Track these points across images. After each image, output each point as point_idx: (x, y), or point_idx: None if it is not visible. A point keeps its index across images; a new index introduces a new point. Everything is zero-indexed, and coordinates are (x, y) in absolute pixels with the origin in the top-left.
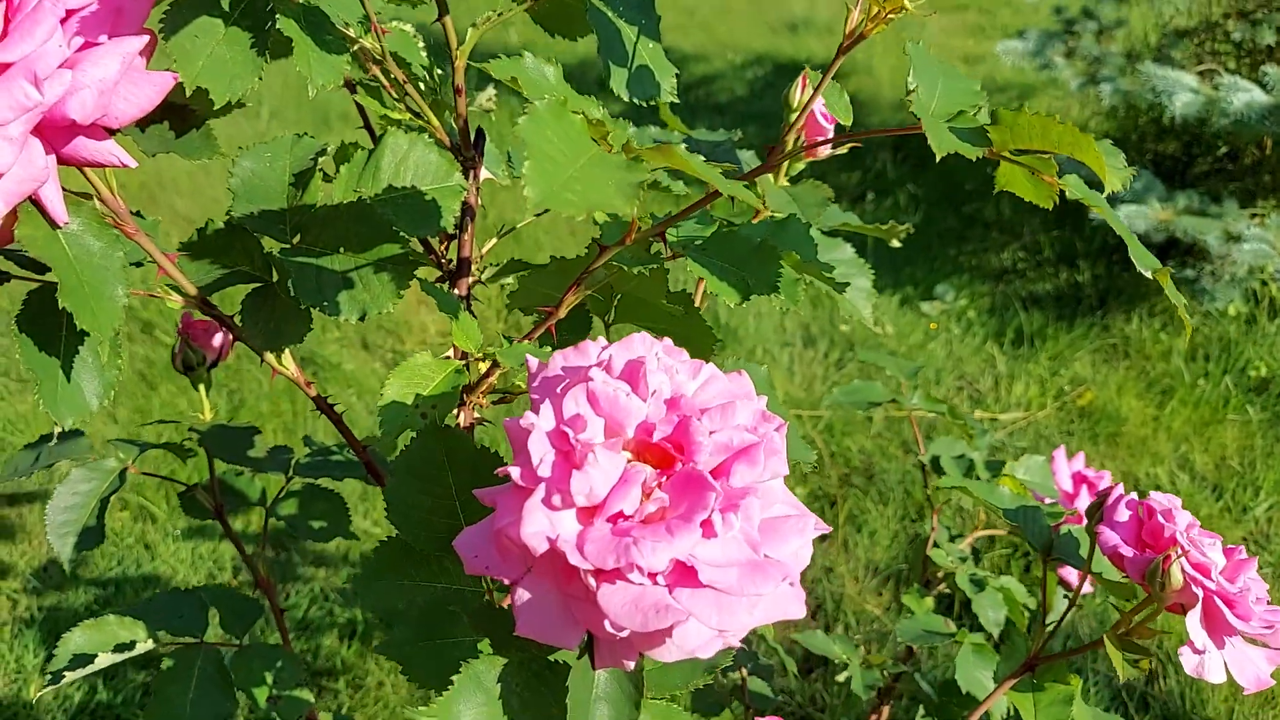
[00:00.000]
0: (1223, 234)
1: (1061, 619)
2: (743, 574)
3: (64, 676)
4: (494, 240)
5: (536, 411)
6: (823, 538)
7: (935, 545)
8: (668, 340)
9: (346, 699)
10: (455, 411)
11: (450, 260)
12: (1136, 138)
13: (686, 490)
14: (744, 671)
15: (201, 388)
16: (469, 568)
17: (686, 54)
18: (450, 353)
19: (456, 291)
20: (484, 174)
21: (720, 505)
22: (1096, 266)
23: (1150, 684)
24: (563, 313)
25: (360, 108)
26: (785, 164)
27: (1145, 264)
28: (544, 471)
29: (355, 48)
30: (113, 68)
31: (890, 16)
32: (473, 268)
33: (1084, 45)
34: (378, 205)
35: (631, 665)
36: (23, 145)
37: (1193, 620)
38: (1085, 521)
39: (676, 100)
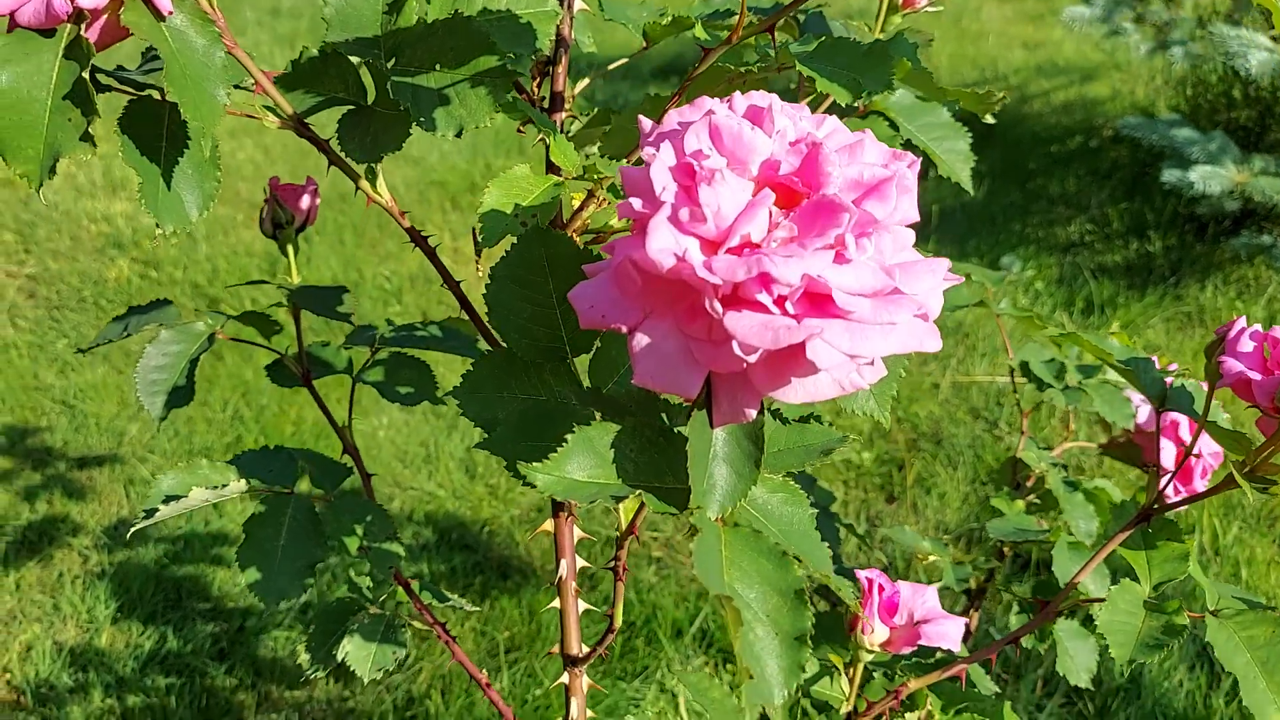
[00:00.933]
0: None
1: (1175, 471)
2: (876, 302)
3: (158, 511)
4: (586, 81)
5: (656, 148)
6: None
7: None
8: None
9: (412, 649)
10: None
11: (543, 99)
12: (1208, 107)
13: (816, 217)
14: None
15: (290, 249)
16: (584, 320)
17: None
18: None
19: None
20: (578, 4)
21: (853, 229)
22: (1168, 237)
23: None
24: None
25: None
26: (885, 7)
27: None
28: (667, 196)
29: None
30: None
31: None
32: (565, 105)
33: (1153, 10)
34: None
35: (753, 414)
36: None
37: None
38: (1206, 360)
39: None
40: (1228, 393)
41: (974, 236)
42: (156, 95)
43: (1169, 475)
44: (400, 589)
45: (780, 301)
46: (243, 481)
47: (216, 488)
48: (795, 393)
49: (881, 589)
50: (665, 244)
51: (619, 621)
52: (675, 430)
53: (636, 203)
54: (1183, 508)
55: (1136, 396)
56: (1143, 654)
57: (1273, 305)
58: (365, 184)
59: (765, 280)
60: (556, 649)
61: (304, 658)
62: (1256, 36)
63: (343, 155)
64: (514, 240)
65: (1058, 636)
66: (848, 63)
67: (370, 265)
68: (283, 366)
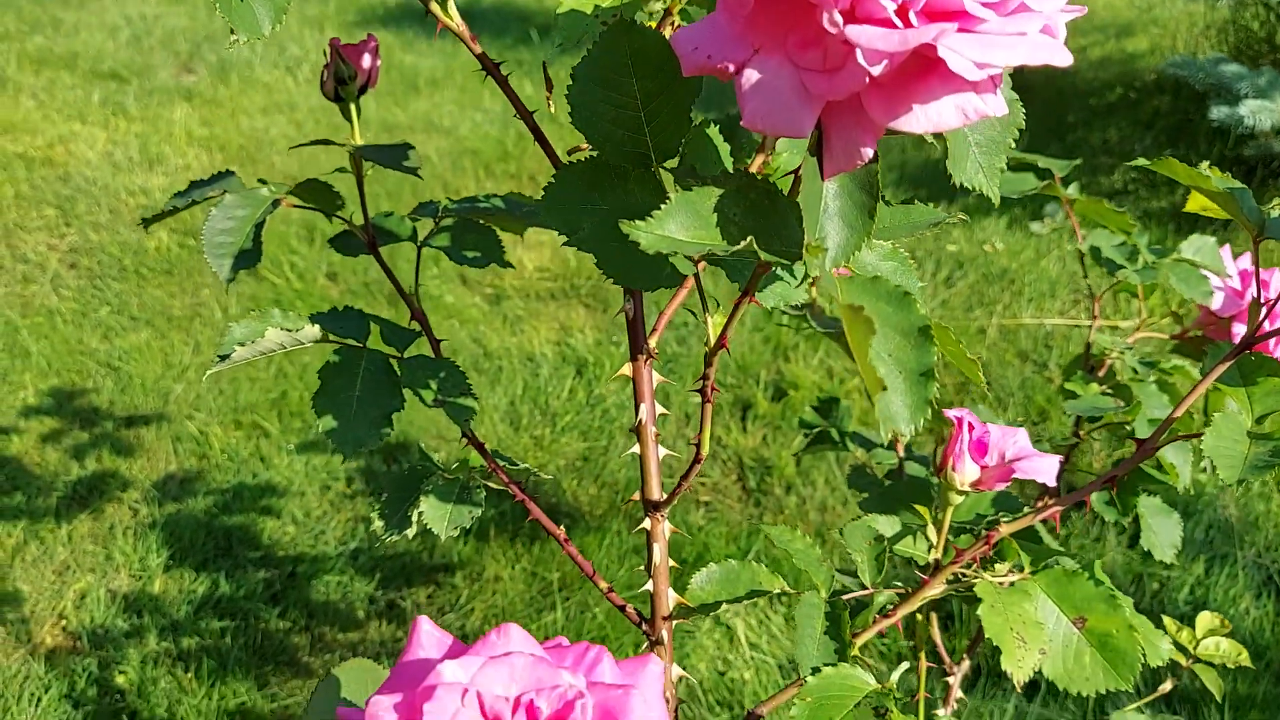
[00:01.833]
0: None
1: (1275, 302)
2: (1002, 12)
3: (234, 353)
4: None
5: None
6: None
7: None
8: None
9: (464, 590)
10: None
11: None
12: (1251, 52)
13: None
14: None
15: (352, 110)
16: (687, 66)
17: None
18: None
19: None
20: None
21: None
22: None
23: None
24: None
25: None
26: None
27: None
28: None
29: None
30: None
31: None
32: None
33: None
34: None
35: (868, 154)
36: None
37: None
38: None
39: None
40: None
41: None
42: None
43: (1269, 306)
44: (473, 453)
45: (903, 11)
46: (316, 328)
47: (292, 331)
48: (917, 120)
49: (971, 427)
50: None
51: (706, 450)
52: (780, 192)
53: None
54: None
55: (1214, 278)
56: (1251, 474)
57: None
58: (435, 7)
59: None
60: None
61: (378, 524)
62: None
63: None
64: (596, 38)
65: (1141, 512)
66: None
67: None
68: (348, 236)
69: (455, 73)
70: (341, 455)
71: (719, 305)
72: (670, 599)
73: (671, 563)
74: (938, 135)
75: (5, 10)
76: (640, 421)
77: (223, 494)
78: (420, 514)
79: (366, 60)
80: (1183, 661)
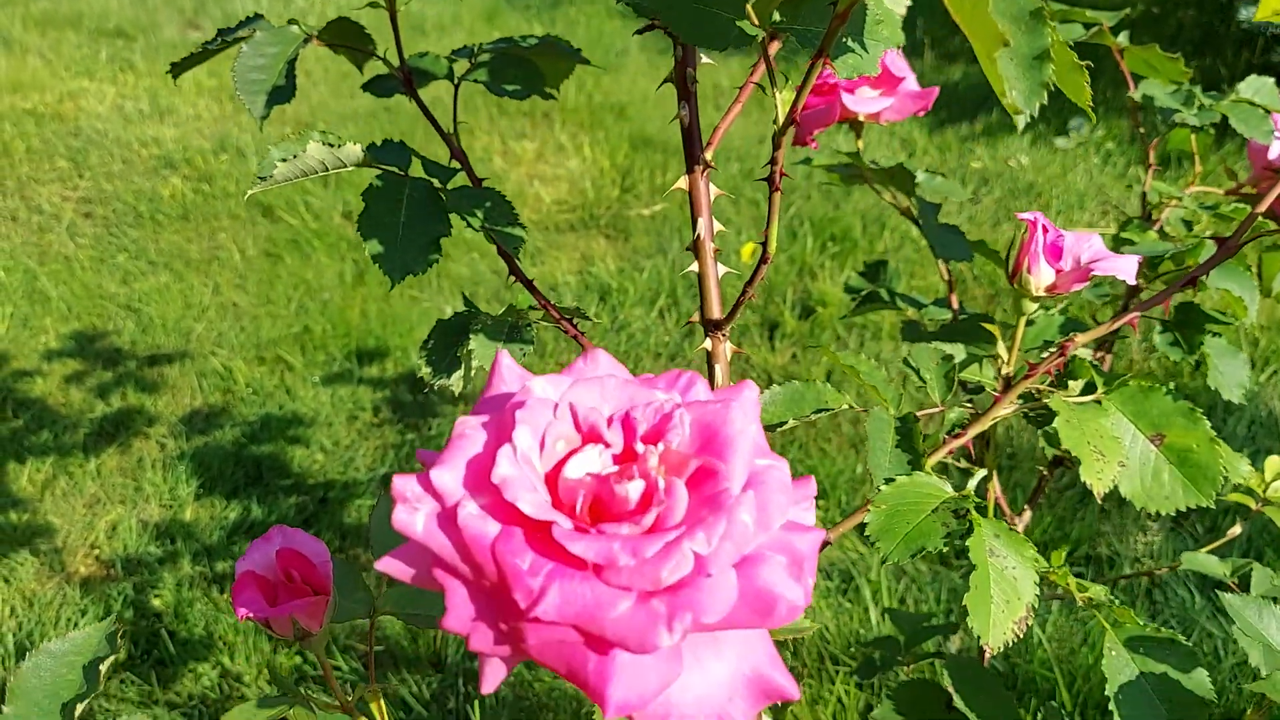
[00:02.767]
0: None
1: None
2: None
3: (275, 170)
4: None
5: None
6: None
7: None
8: None
9: None
10: None
11: None
12: None
13: None
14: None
15: None
16: None
17: None
18: None
19: None
20: None
21: None
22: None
23: None
24: None
25: None
26: None
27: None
28: None
29: None
30: None
31: None
32: None
33: None
34: None
35: None
36: None
37: None
38: None
39: None
40: None
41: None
42: None
43: None
44: (520, 296)
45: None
46: (359, 148)
47: (334, 148)
48: None
49: (1046, 229)
50: None
51: (773, 248)
52: None
53: None
54: None
55: (1276, 123)
56: None
57: None
58: None
59: None
60: None
61: (425, 371)
62: None
63: None
64: None
65: (1207, 352)
66: None
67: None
68: (384, 78)
69: None
70: (390, 282)
71: (787, 80)
72: None
73: None
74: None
75: None
76: (698, 237)
77: (249, 426)
78: (469, 352)
79: None
80: (1252, 505)
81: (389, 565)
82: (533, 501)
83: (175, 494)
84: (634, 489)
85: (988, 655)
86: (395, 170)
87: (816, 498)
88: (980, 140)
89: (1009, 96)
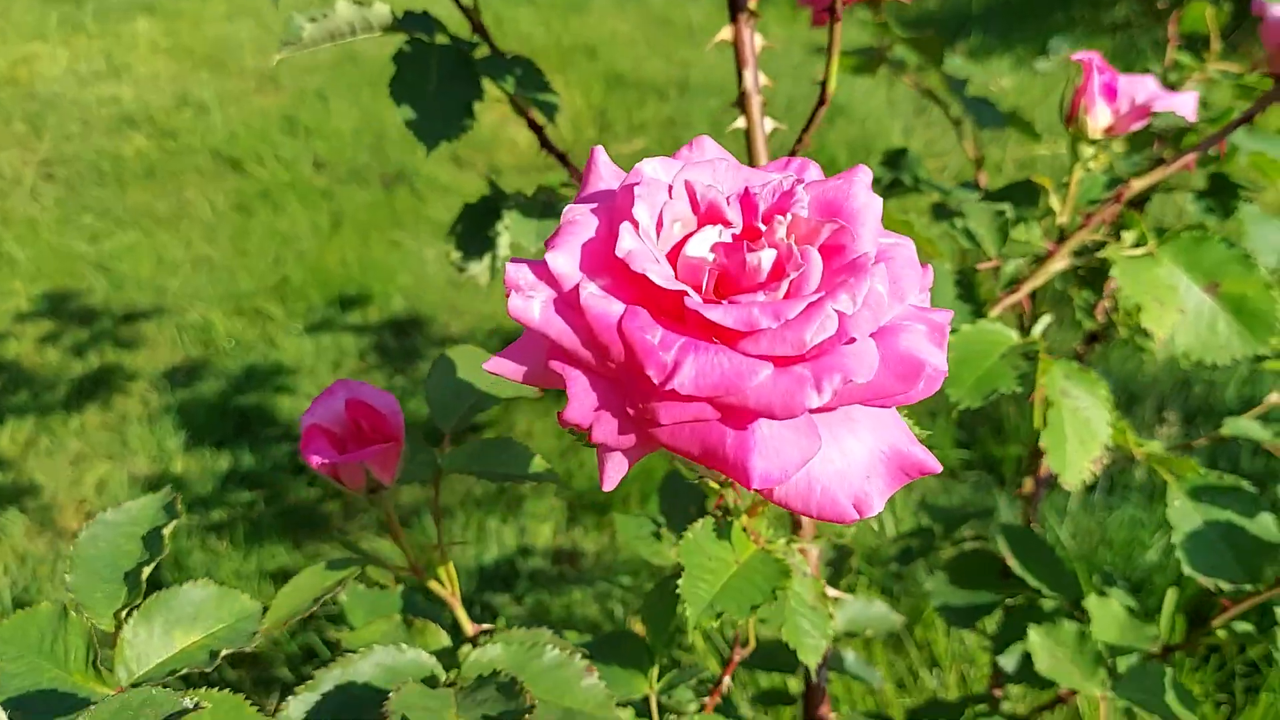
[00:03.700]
0: None
1: None
2: None
3: (304, 31)
4: None
5: None
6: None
7: None
8: None
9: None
10: None
11: None
12: None
13: None
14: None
15: None
16: None
17: None
18: None
19: None
20: None
21: None
22: (1221, 12)
23: None
24: None
25: None
26: None
27: None
28: None
29: None
30: None
31: None
32: None
33: None
34: None
35: None
36: None
37: None
38: None
39: None
40: None
41: (1019, 27)
42: None
43: None
44: (549, 176)
45: None
46: (386, 7)
47: (362, 6)
48: None
49: (1101, 69)
50: None
51: (832, 88)
52: None
53: None
54: None
55: None
56: None
57: None
58: None
59: None
60: None
61: (455, 255)
62: None
63: None
64: None
65: (1241, 218)
66: None
67: (391, 116)
68: None
69: None
70: (425, 148)
71: None
72: None
73: None
74: None
75: None
76: (744, 91)
77: (233, 377)
78: (505, 228)
79: None
80: None
81: (499, 365)
82: (661, 273)
83: (163, 447)
84: (766, 257)
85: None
86: (423, 37)
87: None
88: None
89: None
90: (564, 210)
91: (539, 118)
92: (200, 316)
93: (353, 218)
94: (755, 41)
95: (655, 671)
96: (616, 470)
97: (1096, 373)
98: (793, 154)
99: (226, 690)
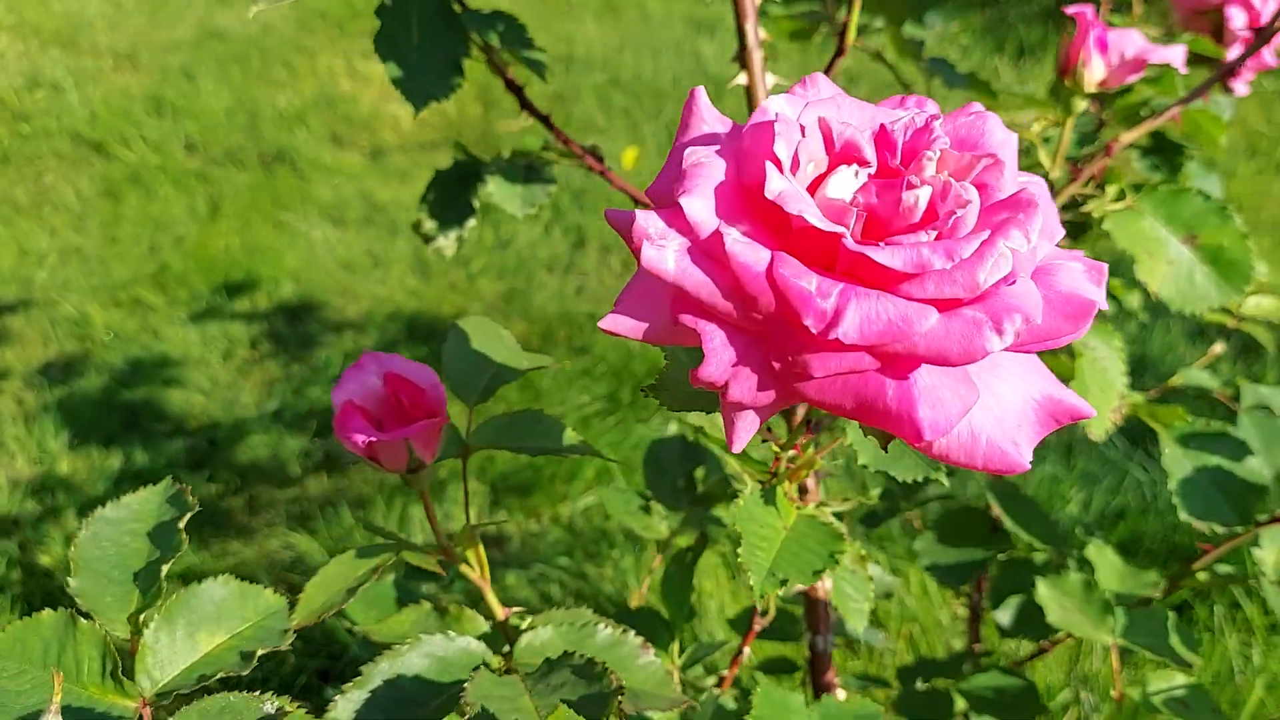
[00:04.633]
0: None
1: None
2: None
3: None
4: None
5: None
6: None
7: None
8: None
9: None
10: None
11: None
12: None
13: None
14: None
15: None
16: None
17: None
18: None
19: None
20: None
21: None
22: None
23: None
24: None
25: None
26: None
27: None
28: None
29: None
30: None
31: None
32: None
33: None
34: None
35: None
36: None
37: None
38: None
39: None
40: None
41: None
42: None
43: None
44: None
45: None
46: None
47: None
48: None
49: (1093, 23)
50: None
51: (851, 38)
52: None
53: None
54: None
55: None
56: None
57: None
58: None
59: None
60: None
61: (429, 225)
62: None
63: None
64: None
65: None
66: None
67: (265, 95)
68: None
69: None
70: (414, 108)
71: None
72: None
73: None
74: None
75: None
76: (745, 46)
77: (116, 371)
78: (490, 195)
79: None
80: (1230, 323)
81: (616, 323)
82: (815, 215)
83: (44, 447)
84: (922, 195)
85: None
86: None
87: None
88: None
89: None
90: (685, 153)
91: (518, 77)
92: (74, 309)
93: (232, 200)
94: None
95: (676, 647)
96: (747, 430)
97: (1111, 325)
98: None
99: (268, 694)
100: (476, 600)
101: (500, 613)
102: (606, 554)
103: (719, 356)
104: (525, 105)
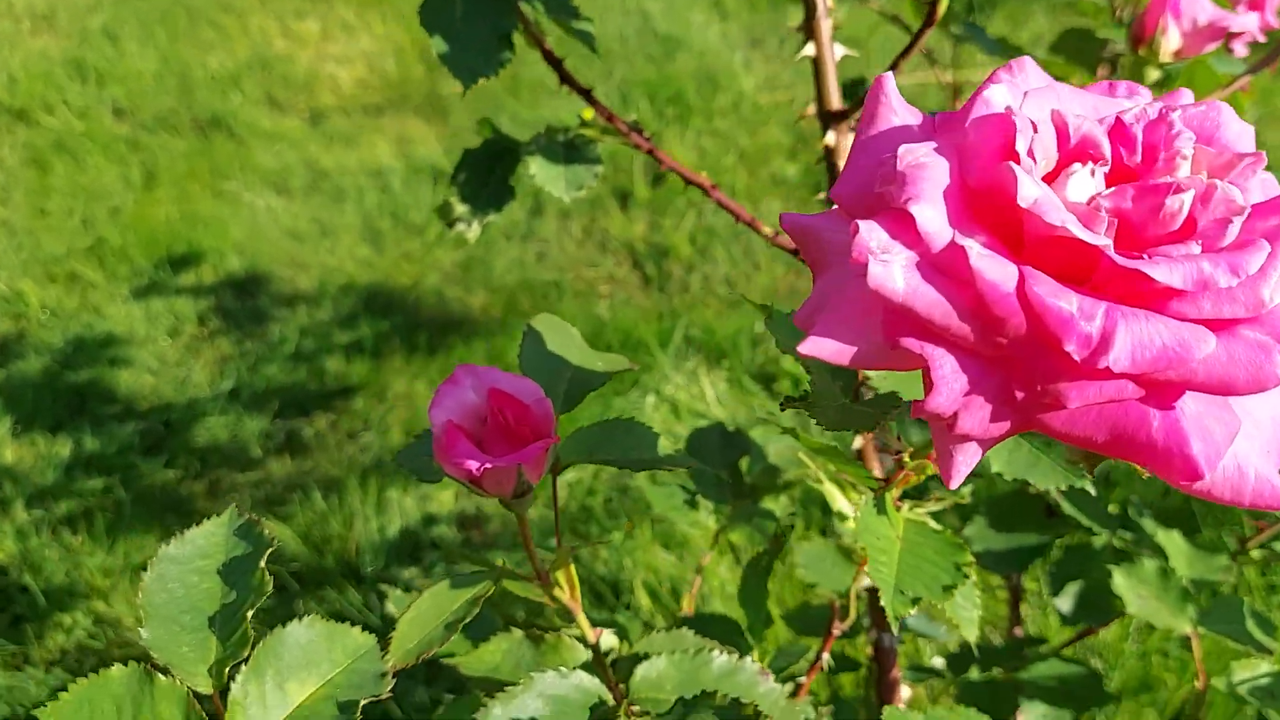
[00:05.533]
0: None
1: None
2: None
3: None
4: None
5: None
6: None
7: None
8: None
9: (372, 411)
10: None
11: None
12: None
13: None
14: None
15: None
16: None
17: None
18: None
19: None
20: None
21: None
22: None
23: None
24: None
25: None
26: None
27: None
28: None
29: None
30: None
31: None
32: None
33: None
34: None
35: None
36: None
37: None
38: None
39: None
40: None
41: None
42: None
43: None
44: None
45: None
46: None
47: None
48: None
49: None
50: None
51: (943, 8)
52: None
53: None
54: None
55: None
56: None
57: None
58: None
59: None
60: None
61: (461, 209)
62: None
63: None
64: None
65: None
66: None
67: (194, 56)
68: None
69: None
70: (462, 86)
71: None
72: None
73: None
74: None
75: None
76: (813, 14)
77: (58, 352)
78: (533, 175)
79: None
80: None
81: (818, 347)
82: (1078, 226)
83: None
84: (1186, 200)
85: None
86: None
87: None
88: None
89: None
90: (899, 152)
91: (557, 50)
92: (5, 286)
93: (168, 169)
94: None
95: (755, 656)
96: (968, 464)
97: None
98: (895, 65)
99: None
100: (535, 613)
101: (591, 635)
102: (594, 534)
103: (949, 385)
104: (565, 79)
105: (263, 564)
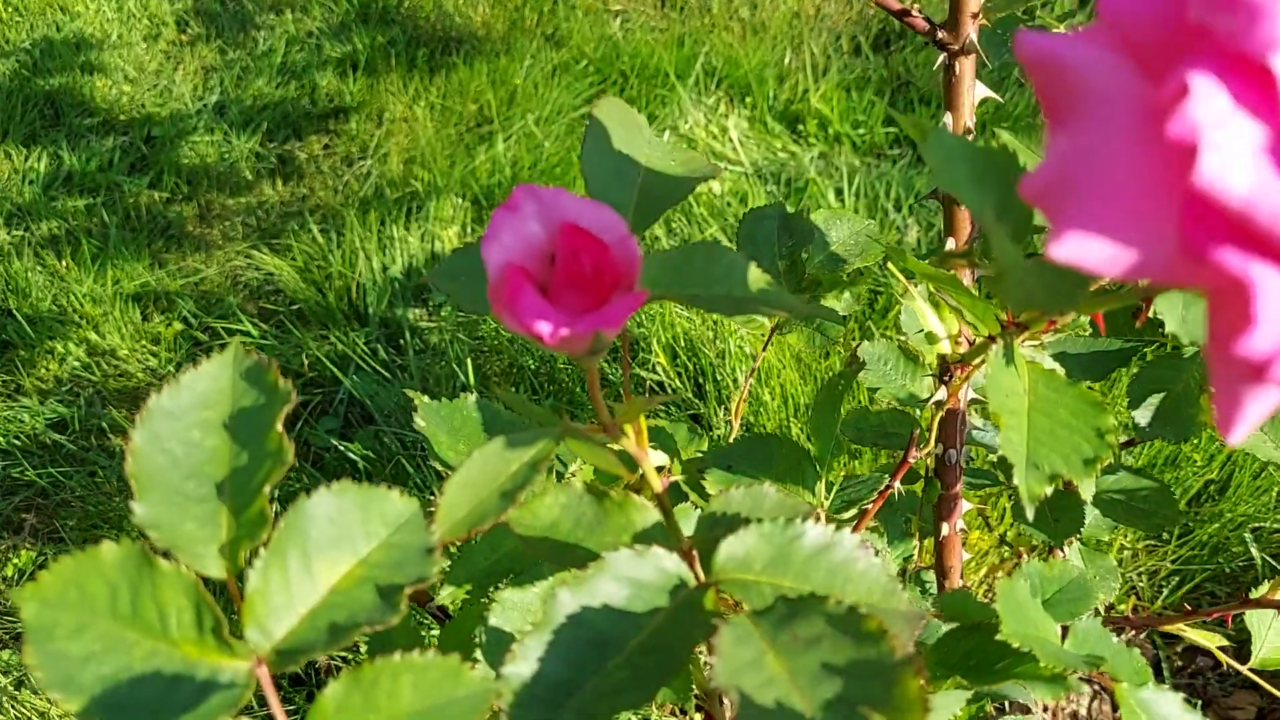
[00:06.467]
0: None
1: None
2: None
3: None
4: None
5: None
6: None
7: None
8: None
9: (368, 135)
10: None
11: None
12: None
13: None
14: None
15: None
16: None
17: None
18: None
19: None
20: None
21: None
22: None
23: None
24: None
25: None
26: None
27: None
28: None
29: None
30: None
31: None
32: None
33: None
34: None
35: None
36: None
37: None
38: None
39: None
40: None
41: None
42: None
43: None
44: None
45: None
46: None
47: None
48: None
49: None
50: None
51: None
52: None
53: None
54: None
55: None
56: None
57: None
58: None
59: None
60: None
61: None
62: None
63: None
64: None
65: None
66: None
67: None
68: None
69: None
70: None
71: None
72: None
73: None
74: None
75: None
76: None
77: (26, 54)
78: None
79: None
80: None
81: (1078, 250)
82: None
83: None
84: None
85: None
86: None
87: None
88: None
89: None
90: None
91: None
92: None
93: None
94: None
95: (822, 486)
96: (1260, 414)
97: None
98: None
99: (431, 651)
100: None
101: (657, 486)
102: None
103: (1272, 320)
104: None
105: (279, 425)
